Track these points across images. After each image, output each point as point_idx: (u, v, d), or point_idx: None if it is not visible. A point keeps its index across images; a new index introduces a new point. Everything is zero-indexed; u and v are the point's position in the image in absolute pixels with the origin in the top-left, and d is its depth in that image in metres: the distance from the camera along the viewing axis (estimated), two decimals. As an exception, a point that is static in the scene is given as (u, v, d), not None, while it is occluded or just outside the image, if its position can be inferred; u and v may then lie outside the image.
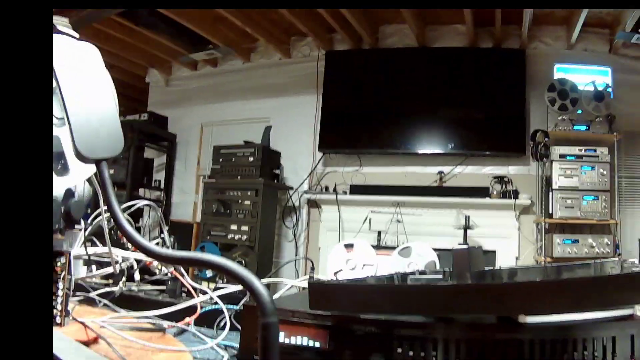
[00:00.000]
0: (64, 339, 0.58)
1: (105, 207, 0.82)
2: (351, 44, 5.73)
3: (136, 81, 6.96)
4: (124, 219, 0.63)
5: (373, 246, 1.68)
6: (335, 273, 1.61)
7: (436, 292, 0.80)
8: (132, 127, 5.71)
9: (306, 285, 1.32)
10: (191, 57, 6.26)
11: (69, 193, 1.00)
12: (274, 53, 6.11)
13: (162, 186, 6.29)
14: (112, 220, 0.66)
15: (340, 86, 5.69)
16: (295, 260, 5.00)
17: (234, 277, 0.52)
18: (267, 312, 0.48)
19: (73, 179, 0.98)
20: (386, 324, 0.82)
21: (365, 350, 0.83)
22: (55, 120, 0.96)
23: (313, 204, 5.64)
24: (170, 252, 0.60)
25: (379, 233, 5.13)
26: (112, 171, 5.38)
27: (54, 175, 0.96)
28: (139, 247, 0.60)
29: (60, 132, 0.96)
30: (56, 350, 0.52)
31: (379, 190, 5.35)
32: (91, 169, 0.98)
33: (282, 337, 0.89)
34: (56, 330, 0.63)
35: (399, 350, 0.80)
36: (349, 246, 1.65)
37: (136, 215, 4.85)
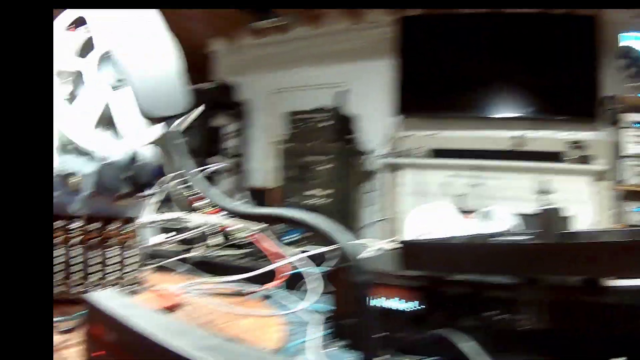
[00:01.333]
0: (138, 307, 0.57)
1: (177, 168, 0.82)
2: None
3: (203, 50, 6.97)
4: (197, 175, 0.62)
5: (451, 210, 1.64)
6: (418, 235, 1.57)
7: (528, 251, 0.76)
8: (200, 95, 5.60)
9: (391, 247, 1.30)
10: (258, 25, 6.21)
11: (132, 158, 0.99)
12: (344, 19, 6.03)
13: (235, 153, 6.30)
14: (186, 183, 0.65)
15: (416, 51, 5.55)
16: (376, 222, 4.97)
17: (322, 235, 0.50)
18: (359, 273, 0.47)
19: (132, 144, 0.97)
20: (475, 285, 0.80)
21: (455, 313, 0.80)
22: (113, 83, 0.96)
23: (391, 168, 5.58)
24: (253, 208, 0.58)
25: (456, 197, 5.05)
26: (184, 139, 5.41)
27: (113, 140, 0.96)
28: (216, 203, 0.59)
29: (112, 97, 0.95)
30: (131, 318, 0.51)
31: (456, 154, 5.25)
32: (155, 132, 0.98)
33: (371, 299, 0.86)
34: (130, 300, 0.63)
35: (487, 312, 0.78)
36: (427, 210, 1.62)
37: (211, 182, 4.82)
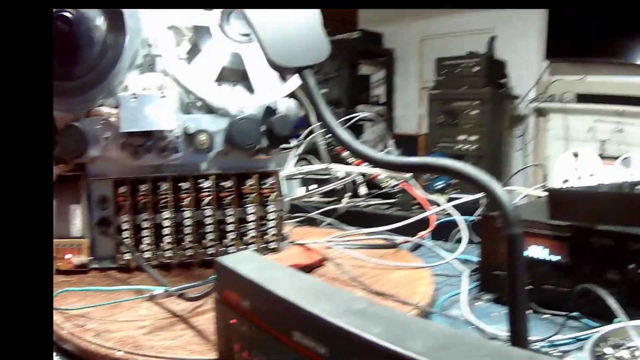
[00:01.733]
0: (277, 268, 0.55)
1: (318, 119, 0.80)
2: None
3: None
4: (338, 125, 0.60)
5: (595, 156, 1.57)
6: (564, 182, 1.52)
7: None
8: (343, 45, 5.66)
9: (540, 194, 1.23)
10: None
11: (269, 110, 0.98)
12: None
13: (382, 101, 6.24)
14: (328, 134, 0.63)
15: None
16: (525, 168, 4.83)
17: (472, 183, 0.47)
18: (512, 222, 0.43)
19: (267, 96, 0.97)
20: (621, 236, 0.73)
21: (600, 265, 0.75)
22: (240, 37, 0.96)
23: (539, 112, 5.37)
24: (397, 158, 0.56)
25: (602, 142, 4.81)
26: (325, 90, 5.45)
27: (245, 94, 0.96)
28: (357, 154, 0.57)
29: (243, 50, 0.95)
30: (268, 281, 0.49)
31: (603, 100, 4.95)
32: (292, 83, 0.97)
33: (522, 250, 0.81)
34: (267, 257, 0.62)
35: (631, 265, 0.72)
36: (575, 155, 1.55)
37: (357, 132, 4.87)
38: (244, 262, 0.55)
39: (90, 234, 0.98)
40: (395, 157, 0.56)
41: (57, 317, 0.74)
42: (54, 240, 0.95)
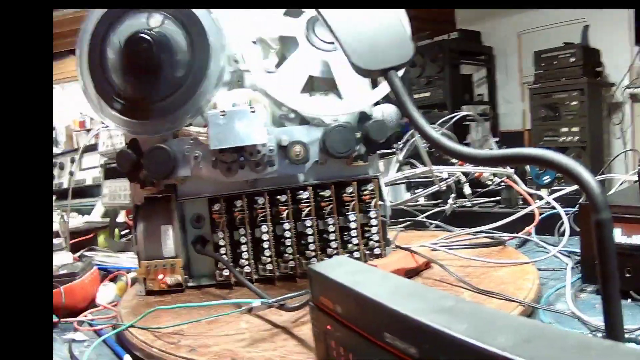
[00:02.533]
0: (371, 272, 0.54)
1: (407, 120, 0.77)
2: None
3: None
4: (426, 124, 0.58)
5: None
6: None
7: None
8: (442, 46, 5.61)
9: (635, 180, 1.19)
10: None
11: (364, 116, 0.97)
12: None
13: (485, 99, 6.15)
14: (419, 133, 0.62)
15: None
16: (619, 155, 4.66)
17: (560, 170, 0.45)
18: (598, 207, 0.40)
19: (359, 103, 0.95)
20: None
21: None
22: (325, 46, 0.95)
23: (634, 98, 5.17)
24: (485, 152, 0.54)
25: None
26: (428, 94, 5.44)
27: (337, 102, 0.94)
28: (446, 150, 0.55)
29: (331, 57, 0.94)
30: (360, 285, 0.48)
31: None
32: (383, 88, 0.94)
33: (618, 235, 0.77)
34: (364, 265, 0.60)
35: None
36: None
37: (463, 132, 4.84)
38: (336, 267, 0.55)
39: (185, 253, 0.99)
40: (484, 151, 0.53)
41: (147, 337, 0.75)
42: (146, 261, 0.97)
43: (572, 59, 4.88)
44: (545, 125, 5.04)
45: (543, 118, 5.03)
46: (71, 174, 2.02)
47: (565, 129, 4.89)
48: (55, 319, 0.89)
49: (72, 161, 2.08)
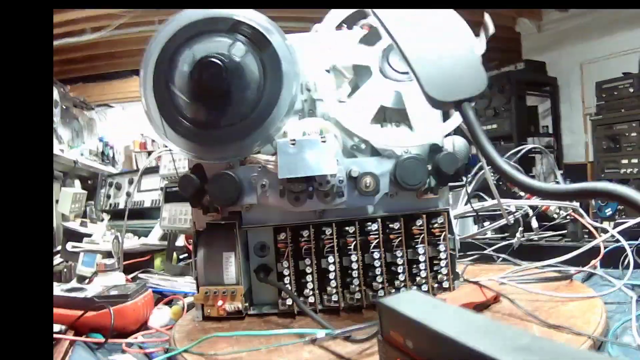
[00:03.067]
0: (442, 306, 0.52)
1: (479, 152, 0.76)
2: None
3: (507, 33, 6.87)
4: (499, 157, 0.56)
5: None
6: None
7: None
8: (509, 78, 5.61)
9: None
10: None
11: (435, 148, 0.94)
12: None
13: (550, 131, 6.11)
14: (490, 166, 0.60)
15: None
16: None
17: (624, 202, 0.43)
18: None
19: (431, 135, 0.93)
20: None
21: None
22: (398, 76, 0.93)
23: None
24: (554, 186, 0.52)
25: None
26: (494, 125, 5.42)
27: (409, 134, 0.92)
28: (519, 184, 0.53)
29: (403, 88, 0.92)
30: (432, 320, 0.46)
31: None
32: (454, 120, 0.92)
33: None
34: (434, 299, 0.58)
35: None
36: None
37: (528, 164, 4.81)
38: (406, 301, 0.54)
39: (247, 281, 0.98)
40: (555, 185, 0.51)
41: None
42: (205, 287, 0.95)
43: (631, 89, 4.80)
44: (607, 156, 4.97)
45: (605, 150, 4.96)
46: (128, 194, 2.04)
47: (625, 161, 4.80)
48: (101, 339, 0.89)
49: (130, 182, 2.10)
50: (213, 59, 0.85)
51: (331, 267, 0.93)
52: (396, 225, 0.94)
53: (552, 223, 1.50)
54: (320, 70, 0.92)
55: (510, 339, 0.41)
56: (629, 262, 1.05)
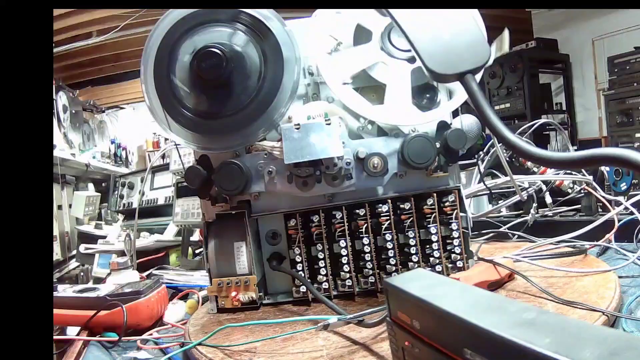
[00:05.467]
0: (449, 284, 0.51)
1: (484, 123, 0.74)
2: None
3: (517, 12, 6.83)
4: (504, 127, 0.55)
5: None
6: None
7: None
8: (521, 56, 5.58)
9: None
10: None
11: (442, 125, 0.93)
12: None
13: (563, 108, 6.08)
14: (497, 138, 0.59)
15: None
16: None
17: (635, 167, 0.42)
18: None
19: (437, 112, 0.91)
20: None
21: None
22: (403, 54, 0.91)
23: None
24: (563, 154, 0.50)
25: None
26: (508, 105, 5.40)
27: (415, 112, 0.91)
28: (527, 155, 0.52)
29: (405, 69, 0.90)
30: (438, 298, 0.45)
31: None
32: (459, 97, 0.91)
33: None
34: (443, 278, 0.57)
35: None
36: None
37: (543, 142, 4.79)
38: (413, 280, 0.53)
39: (260, 270, 0.97)
40: (563, 153, 0.50)
41: (216, 355, 0.73)
42: (218, 278, 0.95)
43: (643, 61, 4.76)
44: (620, 131, 4.95)
45: (618, 124, 4.94)
46: (142, 193, 2.04)
47: (639, 134, 4.78)
48: (115, 337, 0.89)
49: (143, 181, 2.10)
50: (213, 49, 0.84)
51: (343, 252, 0.93)
52: (407, 206, 0.92)
53: (566, 198, 1.50)
54: (322, 53, 0.90)
55: (516, 314, 0.41)
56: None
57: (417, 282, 0.52)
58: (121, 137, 7.44)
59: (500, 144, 1.26)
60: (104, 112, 7.38)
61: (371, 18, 0.91)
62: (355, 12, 0.91)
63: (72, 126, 5.87)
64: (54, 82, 5.38)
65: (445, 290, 0.49)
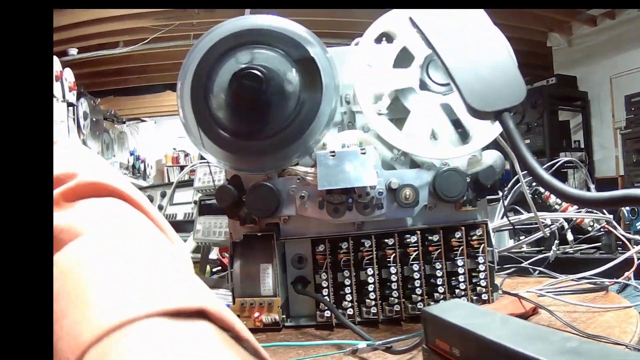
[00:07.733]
0: (487, 314, 0.52)
1: (519, 161, 0.75)
2: None
3: (538, 48, 6.85)
4: (539, 166, 0.55)
5: None
6: None
7: None
8: (541, 92, 5.61)
9: None
10: (589, 14, 5.97)
11: (473, 161, 0.95)
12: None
13: (581, 146, 6.11)
14: (530, 176, 0.60)
15: None
16: None
17: None
18: None
19: (470, 147, 0.91)
20: None
21: None
22: (441, 89, 0.92)
23: None
24: (597, 194, 0.51)
25: None
26: (527, 141, 5.41)
27: (449, 146, 0.91)
28: (561, 194, 0.53)
29: (451, 99, 0.91)
30: (478, 327, 0.46)
31: None
32: (494, 130, 0.92)
33: None
34: (478, 308, 0.58)
35: None
36: None
37: (561, 179, 4.80)
38: (451, 310, 0.54)
39: (284, 293, 0.97)
40: (586, 192, 0.51)
41: None
42: (242, 298, 0.95)
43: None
44: (636, 170, 4.98)
45: (634, 163, 4.95)
46: (160, 207, 2.05)
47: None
48: None
49: (163, 195, 2.11)
50: (253, 70, 0.85)
51: (370, 280, 0.93)
52: (435, 238, 0.93)
53: (586, 236, 1.50)
54: (359, 83, 0.91)
55: (558, 343, 0.41)
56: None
57: (456, 311, 0.53)
58: (140, 149, 7.47)
59: (526, 181, 1.27)
60: (124, 122, 7.42)
61: (417, 46, 0.92)
62: (404, 36, 0.92)
63: (91, 134, 5.92)
64: (76, 88, 5.42)
65: (486, 319, 0.50)
